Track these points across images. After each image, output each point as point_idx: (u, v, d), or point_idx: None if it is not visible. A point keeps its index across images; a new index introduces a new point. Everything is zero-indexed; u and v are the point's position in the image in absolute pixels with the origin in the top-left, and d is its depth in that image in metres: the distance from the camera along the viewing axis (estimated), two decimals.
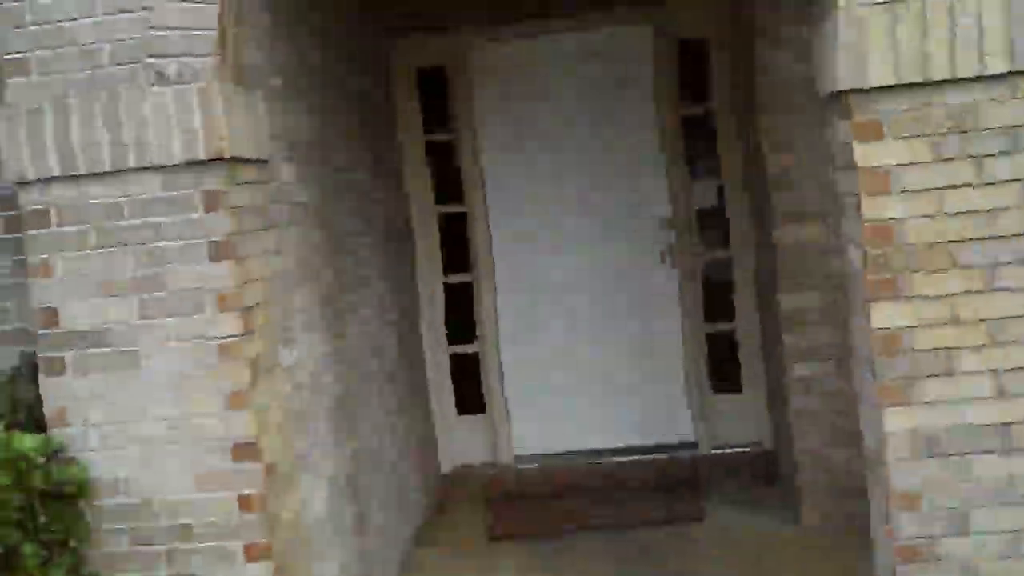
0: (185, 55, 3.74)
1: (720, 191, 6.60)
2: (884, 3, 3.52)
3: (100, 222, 3.80)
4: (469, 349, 6.87)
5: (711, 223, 6.66)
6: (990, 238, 3.56)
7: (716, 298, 6.68)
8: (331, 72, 5.30)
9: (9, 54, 3.80)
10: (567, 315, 6.76)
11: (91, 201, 3.80)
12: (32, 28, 3.79)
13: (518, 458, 6.82)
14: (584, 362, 6.75)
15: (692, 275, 6.66)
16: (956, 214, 3.57)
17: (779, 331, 5.57)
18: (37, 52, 3.79)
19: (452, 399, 6.90)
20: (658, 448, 6.68)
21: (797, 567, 5.09)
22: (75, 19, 3.77)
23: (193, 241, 3.77)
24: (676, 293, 6.67)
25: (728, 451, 6.60)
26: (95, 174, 3.78)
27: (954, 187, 3.56)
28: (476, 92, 6.67)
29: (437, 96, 6.72)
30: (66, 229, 3.82)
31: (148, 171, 3.77)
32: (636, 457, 6.64)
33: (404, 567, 5.64)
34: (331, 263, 4.90)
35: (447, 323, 6.86)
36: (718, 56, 6.44)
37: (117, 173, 3.77)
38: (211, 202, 3.77)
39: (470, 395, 6.89)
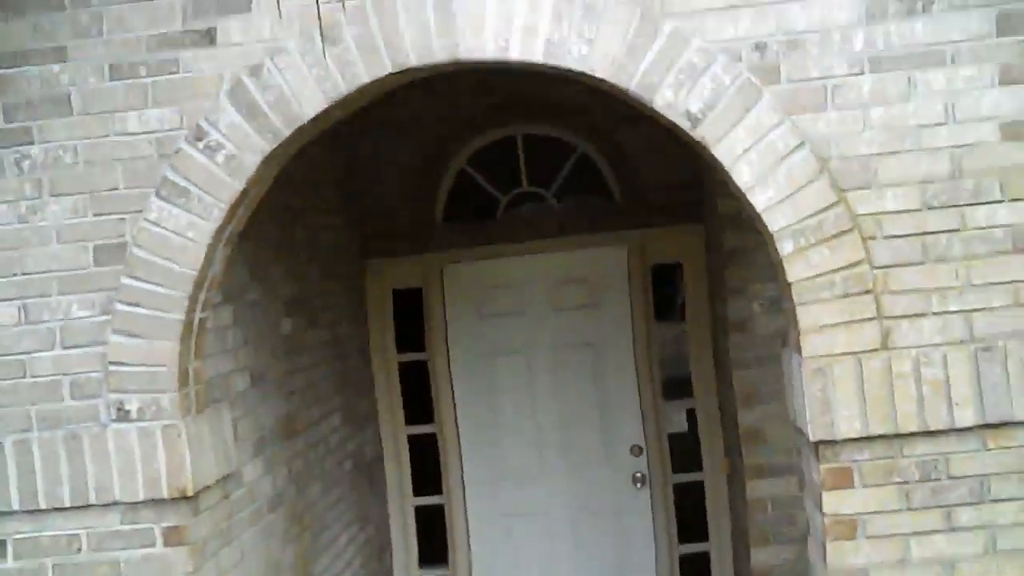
0: (146, 388, 3.71)
1: (692, 414, 6.59)
2: (850, 354, 3.52)
3: (59, 558, 3.75)
4: (443, 571, 6.78)
5: (683, 445, 6.64)
6: None
7: (690, 518, 6.64)
8: (302, 329, 5.29)
9: None
10: (541, 538, 6.69)
11: (49, 534, 3.76)
12: None
13: None
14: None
15: (664, 498, 6.62)
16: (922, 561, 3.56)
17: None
18: None
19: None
20: None
21: None
22: (34, 353, 3.76)
23: None
24: (649, 517, 6.63)
25: None
26: (56, 508, 3.74)
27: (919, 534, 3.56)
28: (449, 311, 6.67)
29: (411, 317, 6.71)
30: (23, 564, 3.77)
31: (109, 507, 3.73)
32: None
33: None
34: (294, 547, 4.84)
35: (420, 544, 6.78)
36: (692, 275, 6.46)
37: (75, 509, 3.73)
38: (171, 538, 3.73)
39: None
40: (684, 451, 6.68)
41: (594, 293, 6.63)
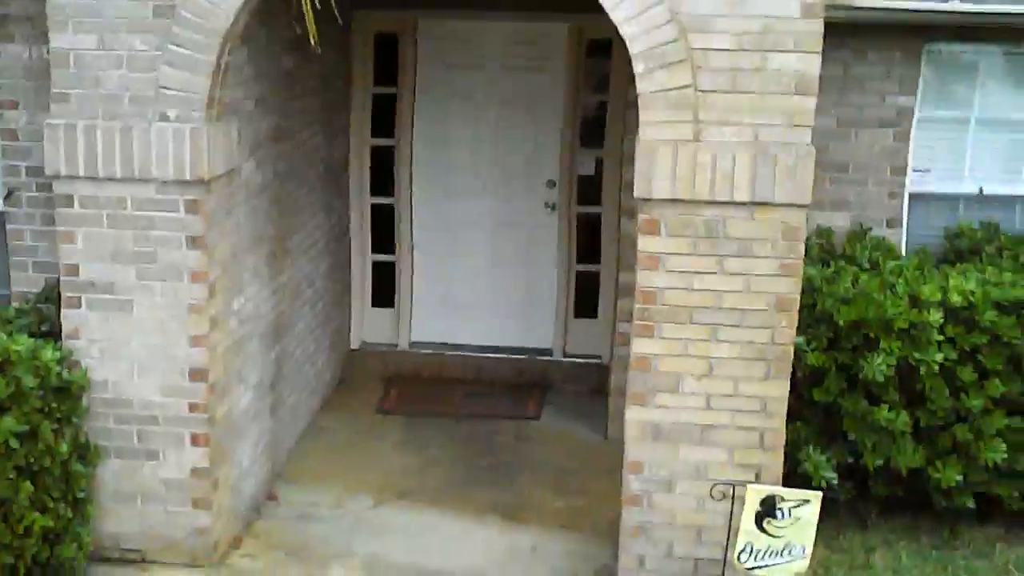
0: (184, 104, 5.26)
1: (600, 162, 8.20)
2: (671, 141, 5.09)
3: (111, 211, 5.40)
4: (389, 258, 8.55)
5: (589, 185, 8.28)
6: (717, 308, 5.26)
7: (587, 244, 8.37)
8: (304, 64, 6.74)
9: (56, 89, 5.29)
10: (470, 243, 8.41)
11: (105, 195, 5.39)
12: (73, 71, 5.27)
13: (414, 343, 8.60)
14: (478, 278, 8.46)
15: (569, 224, 8.33)
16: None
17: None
18: (76, 90, 5.29)
19: (370, 295, 8.63)
20: (523, 351, 8.48)
21: (594, 466, 6.95)
22: (105, 71, 5.27)
23: (176, 233, 5.39)
24: (555, 236, 8.36)
25: (575, 360, 8.41)
26: (110, 179, 5.36)
27: (699, 272, 5.25)
28: (420, 56, 8.14)
29: (387, 59, 8.18)
30: (86, 211, 5.42)
31: (148, 182, 5.35)
32: (505, 356, 8.44)
33: (309, 430, 7.46)
34: (276, 223, 6.50)
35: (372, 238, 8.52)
36: (619, 55, 7.89)
37: (124, 180, 5.36)
38: (190, 207, 5.38)
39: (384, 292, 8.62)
40: (589, 190, 8.32)
41: (539, 59, 8.09)
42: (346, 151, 8.21)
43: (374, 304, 8.65)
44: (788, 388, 5.34)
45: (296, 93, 6.76)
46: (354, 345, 8.61)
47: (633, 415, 5.40)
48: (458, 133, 8.27)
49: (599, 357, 8.37)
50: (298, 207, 7.00)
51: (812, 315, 5.82)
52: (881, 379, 5.69)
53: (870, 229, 6.74)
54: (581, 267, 8.42)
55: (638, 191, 5.17)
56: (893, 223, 6.84)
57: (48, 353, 5.32)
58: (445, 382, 8.27)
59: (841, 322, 5.75)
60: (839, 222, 6.80)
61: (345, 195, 8.25)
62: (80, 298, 5.50)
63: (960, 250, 6.69)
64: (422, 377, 8.35)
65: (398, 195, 8.40)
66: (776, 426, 5.35)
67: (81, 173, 5.35)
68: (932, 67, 6.71)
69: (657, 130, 5.08)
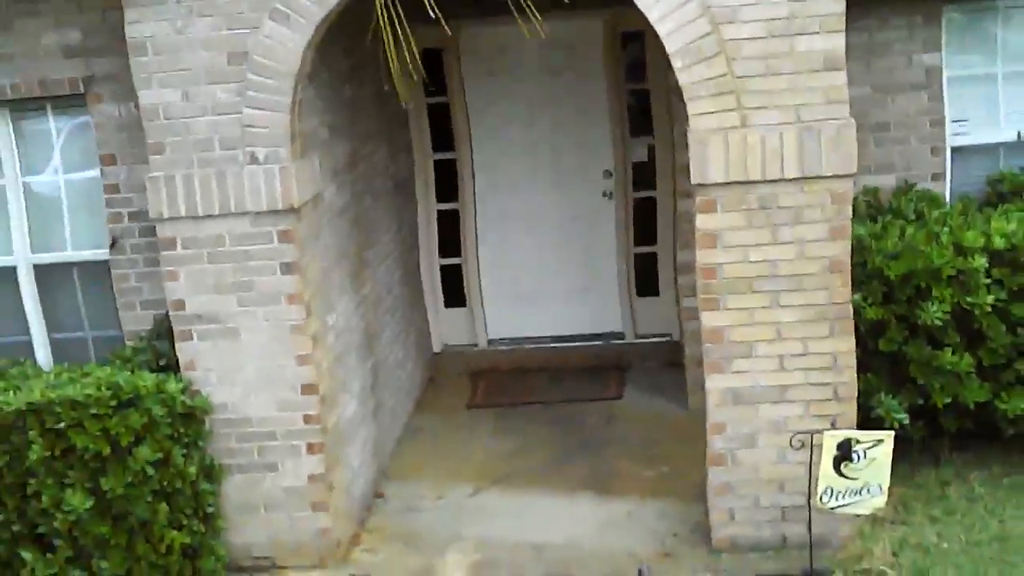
0: (269, 140, 5.76)
1: (651, 148, 8.61)
2: (720, 129, 5.50)
3: (210, 248, 5.91)
4: (457, 261, 9.02)
5: (643, 171, 8.70)
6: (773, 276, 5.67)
7: (644, 226, 8.78)
8: (360, 90, 7.23)
9: (151, 140, 5.81)
10: (533, 238, 8.86)
11: (204, 233, 5.90)
12: (164, 123, 5.79)
13: (491, 340, 9.07)
14: (544, 271, 8.90)
15: (626, 209, 8.75)
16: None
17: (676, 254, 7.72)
18: (169, 139, 5.81)
19: (441, 298, 9.11)
20: (596, 336, 8.92)
21: (677, 436, 7.38)
22: (193, 119, 5.78)
23: (271, 261, 5.89)
24: (613, 223, 8.78)
25: (647, 340, 8.84)
26: (208, 216, 5.87)
27: (755, 245, 5.65)
28: (465, 68, 8.59)
29: (435, 72, 8.63)
30: (188, 251, 5.93)
31: (243, 216, 5.86)
32: (579, 344, 8.88)
33: (406, 430, 7.95)
34: (356, 240, 7.00)
35: (439, 241, 8.99)
36: (653, 45, 8.29)
37: (221, 216, 5.86)
38: (283, 237, 5.87)
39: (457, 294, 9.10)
40: (643, 176, 8.73)
41: (579, 57, 8.51)
42: (410, 164, 8.69)
43: (447, 305, 9.11)
44: (854, 342, 5.72)
45: (360, 117, 7.25)
46: (436, 348, 9.09)
47: (713, 383, 5.82)
48: (513, 136, 8.71)
49: (669, 334, 8.78)
50: (373, 222, 7.49)
51: (864, 272, 6.18)
52: (939, 324, 6.04)
53: (915, 185, 7.08)
54: (638, 249, 8.83)
55: (694, 178, 5.58)
56: (937, 177, 7.15)
57: (172, 385, 5.86)
58: (527, 373, 8.73)
59: (892, 276, 6.11)
60: (886, 183, 7.13)
61: (412, 204, 8.73)
62: (190, 330, 6.02)
63: (1002, 193, 7.01)
64: (504, 371, 8.81)
65: (462, 200, 8.86)
66: (847, 379, 5.73)
67: (182, 214, 5.86)
68: (953, 25, 7.01)
69: (705, 120, 5.49)
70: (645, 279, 8.89)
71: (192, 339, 6.02)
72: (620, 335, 8.93)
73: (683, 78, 5.47)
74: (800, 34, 5.38)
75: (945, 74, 7.04)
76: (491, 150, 8.75)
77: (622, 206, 8.75)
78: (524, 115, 8.66)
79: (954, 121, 7.13)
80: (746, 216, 5.62)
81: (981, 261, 6.04)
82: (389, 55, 5.32)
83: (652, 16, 5.42)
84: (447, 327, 9.13)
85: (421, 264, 8.92)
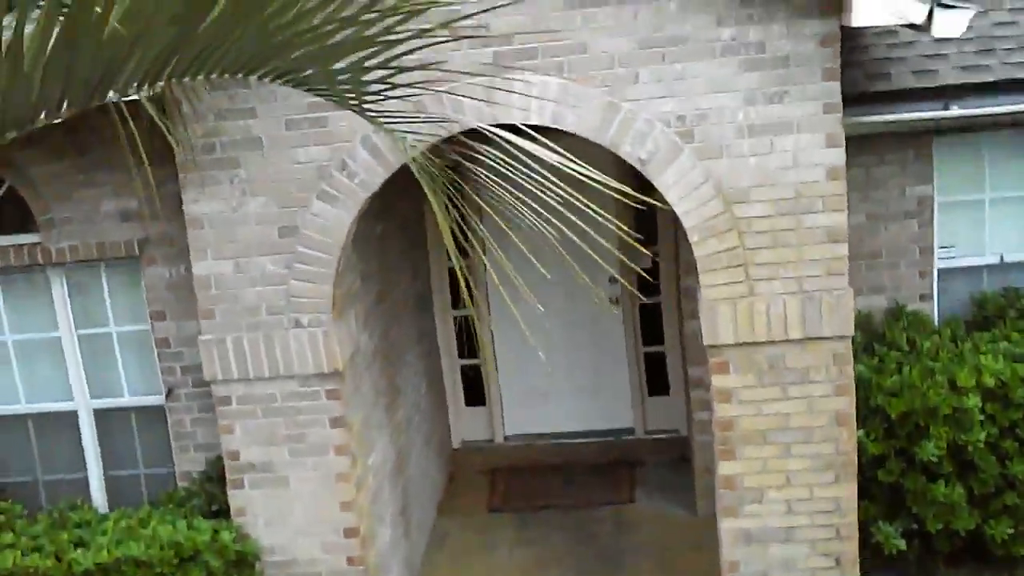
0: (313, 308, 6.23)
1: (655, 257, 9.11)
2: (729, 299, 6.00)
3: (263, 404, 6.38)
4: (475, 362, 9.50)
5: (648, 278, 9.20)
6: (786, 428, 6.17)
7: (652, 328, 9.28)
8: (389, 222, 7.70)
9: (202, 307, 6.27)
10: (545, 340, 9.34)
11: (257, 392, 6.37)
12: (215, 292, 6.25)
13: (508, 437, 9.56)
14: (557, 371, 9.40)
15: (633, 314, 9.25)
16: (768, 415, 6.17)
17: (687, 369, 8.22)
18: (220, 307, 6.27)
19: (462, 395, 9.59)
20: (607, 432, 9.42)
21: (689, 543, 7.88)
22: (243, 289, 6.24)
23: (320, 415, 6.36)
24: (622, 327, 9.28)
25: (657, 436, 9.34)
26: (259, 378, 6.33)
27: (768, 400, 6.15)
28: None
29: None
30: (243, 407, 6.40)
31: (292, 378, 6.32)
32: (591, 440, 9.38)
33: (432, 538, 8.42)
34: (387, 372, 7.47)
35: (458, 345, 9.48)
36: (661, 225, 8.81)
37: (271, 378, 6.33)
38: (330, 395, 6.34)
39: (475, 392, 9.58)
40: (648, 283, 9.23)
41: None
42: (428, 278, 9.16)
43: (467, 403, 9.60)
44: (856, 488, 6.23)
45: (388, 249, 7.72)
46: (456, 444, 9.57)
47: (726, 525, 6.32)
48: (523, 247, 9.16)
49: (677, 430, 9.29)
50: (401, 343, 7.96)
51: (867, 406, 6.68)
52: (935, 459, 6.56)
53: (905, 307, 7.58)
54: (648, 349, 9.33)
55: (706, 339, 6.07)
56: (925, 298, 7.67)
57: (226, 536, 6.33)
58: (542, 471, 9.21)
59: (893, 415, 6.62)
60: (877, 303, 7.65)
61: (431, 313, 9.21)
62: (243, 479, 6.49)
63: (987, 316, 7.52)
64: (520, 468, 9.30)
65: (477, 305, 9.35)
66: (849, 520, 6.24)
67: (235, 376, 6.33)
68: (944, 159, 7.51)
69: (716, 290, 5.98)
70: (654, 378, 9.39)
71: (244, 487, 6.49)
72: (630, 431, 9.43)
73: (698, 251, 5.95)
74: (806, 212, 5.88)
75: (936, 201, 7.55)
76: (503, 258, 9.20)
77: (628, 311, 9.25)
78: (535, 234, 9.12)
79: (942, 247, 7.65)
80: (757, 375, 6.11)
81: (975, 400, 6.54)
82: (443, 230, 5.77)
83: (671, 197, 5.90)
84: (466, 424, 9.62)
85: (444, 367, 9.40)
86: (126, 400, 7.04)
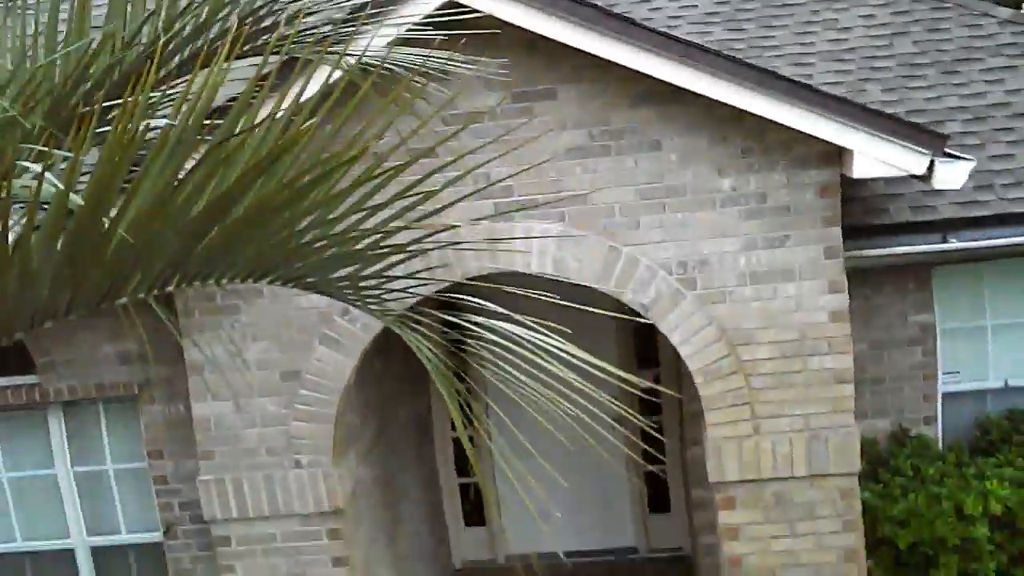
0: (312, 449, 6.17)
1: (656, 378, 9.08)
2: (735, 437, 5.96)
3: (264, 544, 6.30)
4: (473, 480, 9.41)
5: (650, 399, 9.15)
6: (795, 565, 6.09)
7: (652, 447, 9.21)
8: (388, 358, 7.66)
9: (201, 448, 6.21)
10: (546, 460, 9.24)
11: (256, 532, 6.29)
12: (214, 433, 6.20)
13: (509, 557, 9.45)
14: (560, 492, 9.27)
15: (635, 432, 9.17)
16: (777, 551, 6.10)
17: (690, 489, 8.14)
18: (219, 448, 6.21)
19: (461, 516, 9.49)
20: (610, 551, 9.31)
21: None
22: (243, 430, 6.19)
23: (322, 555, 6.27)
24: (623, 448, 9.21)
25: (660, 555, 9.24)
26: (260, 517, 6.26)
27: (775, 537, 6.09)
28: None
29: None
30: (242, 548, 6.32)
31: (291, 517, 6.25)
32: (595, 559, 9.27)
33: None
34: (388, 503, 7.39)
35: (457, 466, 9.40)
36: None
37: (272, 518, 6.26)
38: (332, 534, 6.27)
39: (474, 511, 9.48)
40: (651, 403, 9.18)
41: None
42: (428, 399, 9.10)
43: (467, 524, 9.49)
44: None
45: (385, 382, 7.68)
46: (457, 565, 9.45)
47: None
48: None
49: (680, 548, 9.18)
50: (401, 471, 7.89)
51: (874, 537, 6.61)
52: None
53: (909, 430, 7.53)
54: (649, 469, 9.26)
55: (712, 477, 6.02)
56: (929, 421, 7.62)
57: None
58: None
59: (901, 545, 6.54)
60: (881, 426, 7.60)
61: (430, 434, 9.14)
62: None
63: (991, 440, 7.47)
64: None
65: (477, 429, 9.26)
66: None
67: (234, 515, 6.25)
68: (943, 287, 7.51)
69: (721, 429, 5.95)
70: (655, 495, 9.30)
71: None
72: (633, 549, 9.33)
73: (703, 392, 5.93)
74: (812, 354, 5.86)
75: (939, 328, 7.53)
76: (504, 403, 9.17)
77: (631, 428, 9.19)
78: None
79: (946, 373, 7.62)
80: (763, 511, 6.06)
81: (983, 531, 6.47)
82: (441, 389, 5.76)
83: (674, 339, 5.89)
84: (466, 545, 9.50)
85: (442, 488, 9.31)
86: (124, 537, 6.94)
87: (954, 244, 6.99)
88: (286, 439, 6.17)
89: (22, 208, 2.98)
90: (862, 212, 6.67)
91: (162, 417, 6.67)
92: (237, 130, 2.72)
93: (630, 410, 4.75)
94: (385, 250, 3.03)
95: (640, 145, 5.73)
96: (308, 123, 2.75)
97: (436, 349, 4.52)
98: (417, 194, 3.11)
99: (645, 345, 9.05)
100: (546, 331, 4.05)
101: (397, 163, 3.06)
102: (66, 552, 6.96)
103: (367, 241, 2.95)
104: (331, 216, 2.89)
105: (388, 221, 3.09)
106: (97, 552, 6.97)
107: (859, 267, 6.96)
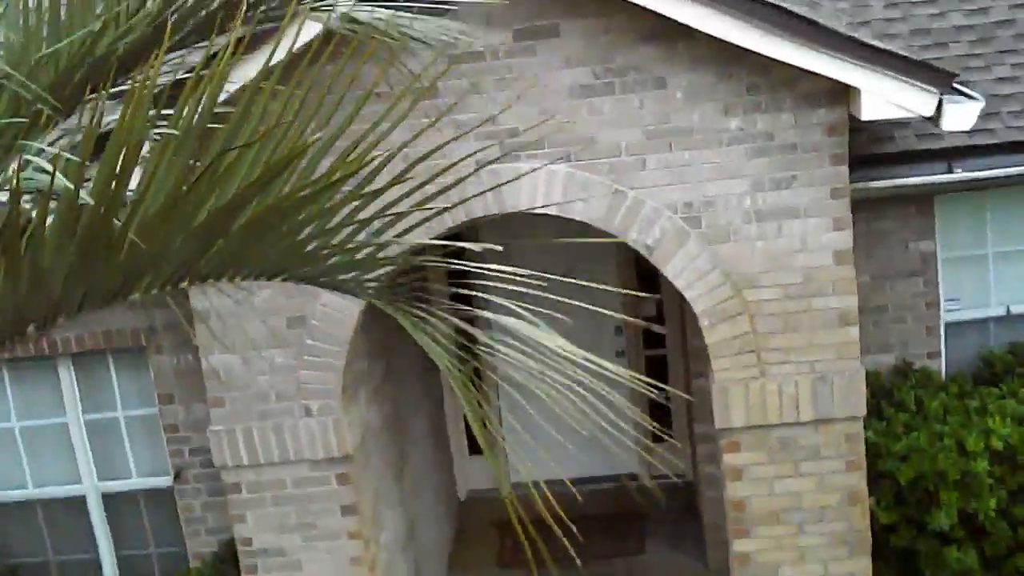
0: (322, 395, 6.20)
1: (659, 305, 9.09)
2: (741, 379, 5.99)
3: (273, 491, 6.37)
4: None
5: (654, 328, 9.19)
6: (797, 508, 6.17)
7: (657, 377, 9.26)
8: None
9: (211, 395, 6.24)
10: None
11: (266, 478, 6.35)
12: (224, 383, 6.22)
13: (515, 485, 9.53)
14: (564, 421, 9.36)
15: (638, 365, 9.23)
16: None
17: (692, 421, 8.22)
18: (230, 394, 6.24)
19: (466, 443, 9.58)
20: (614, 478, 9.42)
21: None
22: (253, 377, 6.21)
23: (330, 504, 6.34)
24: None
25: (664, 481, 9.35)
26: (269, 463, 6.32)
27: (779, 477, 6.15)
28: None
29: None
30: (252, 495, 6.38)
31: (301, 462, 6.31)
32: (599, 485, 9.38)
33: None
34: (395, 443, 7.45)
35: None
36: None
37: (282, 463, 6.31)
38: (341, 480, 6.32)
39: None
40: (653, 332, 9.22)
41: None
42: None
43: (471, 452, 9.59)
44: (870, 562, 6.24)
45: (392, 323, 7.67)
46: (462, 496, 9.56)
47: None
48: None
49: (682, 475, 9.29)
50: (408, 408, 7.94)
51: (876, 472, 6.68)
52: (947, 527, 6.56)
53: (912, 363, 7.56)
54: (654, 397, 9.31)
55: (718, 422, 6.06)
56: (933, 355, 7.65)
57: None
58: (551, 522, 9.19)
59: (903, 481, 6.61)
60: (885, 361, 7.63)
61: (436, 369, 9.17)
62: (256, 563, 6.47)
63: (995, 372, 7.51)
64: (528, 519, 9.26)
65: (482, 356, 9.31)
66: None
67: (245, 462, 6.30)
68: (945, 215, 7.48)
69: (728, 373, 5.97)
70: (658, 423, 9.38)
71: (257, 572, 6.48)
72: (635, 476, 9.43)
73: (709, 336, 5.94)
74: (816, 295, 5.86)
75: (940, 257, 7.52)
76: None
77: (634, 363, 9.24)
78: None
79: (947, 300, 7.63)
80: (768, 454, 6.11)
81: (983, 465, 6.54)
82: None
83: (679, 284, 5.89)
84: (471, 475, 9.61)
85: (447, 418, 9.39)
86: (134, 482, 7.01)
87: (960, 175, 6.96)
88: (296, 386, 6.19)
89: (30, 201, 2.95)
90: (868, 141, 6.59)
91: (171, 365, 6.68)
92: (241, 140, 2.69)
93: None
94: (389, 217, 3.01)
95: (645, 83, 5.66)
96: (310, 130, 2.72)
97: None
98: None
99: (647, 273, 9.03)
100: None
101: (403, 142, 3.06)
102: (78, 499, 7.03)
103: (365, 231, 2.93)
104: (329, 226, 2.87)
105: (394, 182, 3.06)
106: (108, 498, 7.04)
107: (863, 198, 6.93)
